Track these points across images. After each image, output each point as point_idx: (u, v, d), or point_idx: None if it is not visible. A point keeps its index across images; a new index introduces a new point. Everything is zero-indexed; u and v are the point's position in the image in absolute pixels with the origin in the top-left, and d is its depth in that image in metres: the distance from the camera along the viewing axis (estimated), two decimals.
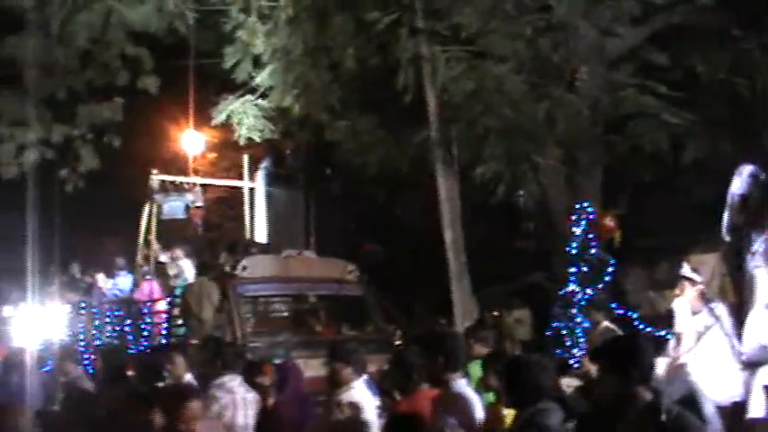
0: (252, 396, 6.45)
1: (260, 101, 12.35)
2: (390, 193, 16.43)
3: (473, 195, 11.37)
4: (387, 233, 17.49)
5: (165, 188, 12.79)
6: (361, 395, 5.78)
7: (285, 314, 12.24)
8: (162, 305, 11.88)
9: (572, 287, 9.00)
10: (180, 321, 10.95)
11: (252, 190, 13.53)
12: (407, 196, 15.92)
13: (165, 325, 11.37)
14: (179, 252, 12.83)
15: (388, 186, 15.87)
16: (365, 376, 6.44)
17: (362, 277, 11.12)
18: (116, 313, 12.35)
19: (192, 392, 5.29)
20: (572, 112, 9.67)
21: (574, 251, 9.11)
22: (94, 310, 12.96)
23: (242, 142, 12.76)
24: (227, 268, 10.74)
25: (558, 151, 10.03)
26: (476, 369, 6.07)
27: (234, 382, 6.45)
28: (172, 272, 12.64)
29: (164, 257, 12.93)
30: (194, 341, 9.47)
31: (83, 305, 13.24)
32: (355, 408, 5.61)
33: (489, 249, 12.95)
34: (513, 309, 10.78)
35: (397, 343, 10.29)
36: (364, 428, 5.57)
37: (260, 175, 13.39)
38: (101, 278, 14.16)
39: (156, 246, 12.43)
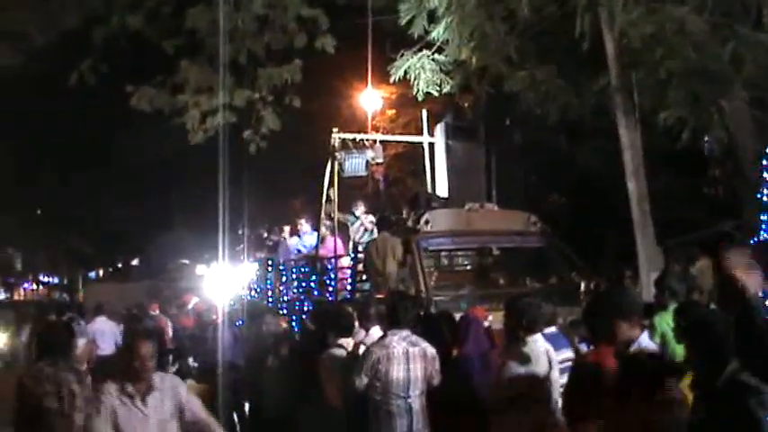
0: (418, 350, 6.87)
1: (436, 55, 13.04)
2: (571, 144, 16.62)
3: (656, 143, 11.56)
4: (568, 184, 17.71)
5: (346, 146, 13.56)
6: (538, 348, 6.30)
7: (468, 267, 13.09)
8: (346, 261, 12.91)
9: (764, 235, 9.14)
10: (364, 277, 11.92)
11: (431, 145, 14.19)
12: (588, 146, 16.12)
13: (349, 280, 12.40)
14: (362, 208, 13.90)
15: (568, 136, 16.09)
16: (553, 328, 7.21)
17: (545, 229, 11.73)
18: (302, 269, 13.60)
19: None
20: (760, 52, 9.72)
21: (765, 198, 9.34)
22: (281, 267, 14.35)
23: (420, 97, 13.51)
24: (410, 223, 11.61)
25: (746, 93, 10.15)
26: (665, 321, 6.49)
27: (394, 336, 6.88)
28: (355, 228, 13.83)
29: (346, 214, 14.08)
30: (378, 295, 10.34)
31: (270, 262, 14.72)
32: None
33: (674, 198, 12.98)
34: (699, 258, 10.96)
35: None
36: (537, 383, 6.08)
37: (439, 129, 13.98)
38: (287, 233, 15.39)
39: (338, 203, 13.41)
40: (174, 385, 5.78)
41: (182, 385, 5.89)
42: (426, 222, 11.26)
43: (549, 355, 6.36)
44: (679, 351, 5.25)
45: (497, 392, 6.26)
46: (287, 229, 16.11)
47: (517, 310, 6.42)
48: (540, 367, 6.23)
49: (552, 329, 7.27)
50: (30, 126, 27.97)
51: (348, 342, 7.56)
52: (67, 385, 6.37)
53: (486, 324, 8.13)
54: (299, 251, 15.04)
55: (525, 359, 6.18)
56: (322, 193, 13.58)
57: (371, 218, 13.58)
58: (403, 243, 11.02)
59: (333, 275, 12.69)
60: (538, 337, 6.40)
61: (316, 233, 14.50)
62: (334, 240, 13.25)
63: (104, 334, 15.11)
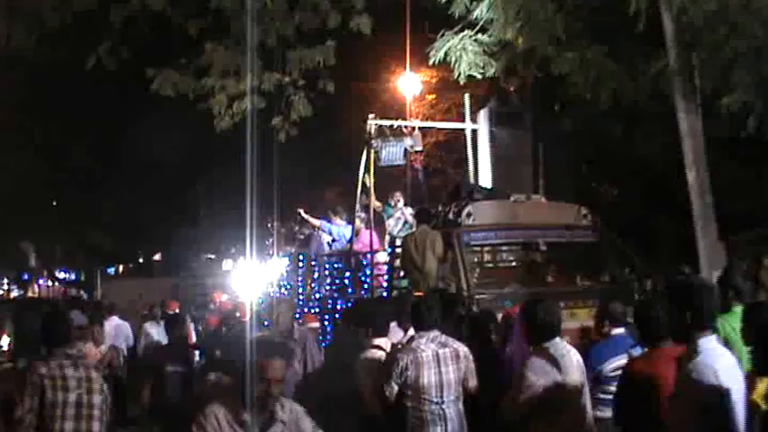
0: (449, 351, 6.82)
1: (479, 36, 13.05)
2: (625, 130, 16.55)
3: (719, 129, 11.45)
4: (622, 174, 17.61)
5: (383, 133, 13.55)
6: (557, 353, 6.11)
7: (513, 264, 13.09)
8: (382, 256, 12.93)
9: None
10: (401, 273, 11.91)
11: (474, 132, 14.20)
12: (644, 133, 16.02)
13: (385, 277, 12.38)
14: (400, 199, 13.94)
15: (623, 122, 16.00)
16: (621, 329, 7.22)
17: (597, 222, 11.71)
18: (335, 265, 13.68)
19: None
20: None
21: None
22: (313, 263, 14.45)
23: (462, 81, 13.50)
24: (451, 216, 11.61)
25: None
26: (729, 323, 6.41)
27: (422, 339, 6.84)
28: (392, 221, 13.90)
29: (383, 205, 14.15)
30: (417, 293, 10.33)
31: (301, 258, 14.84)
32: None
33: (738, 190, 12.82)
34: (765, 256, 10.83)
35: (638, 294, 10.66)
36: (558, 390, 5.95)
37: (482, 115, 13.98)
38: (321, 225, 15.51)
39: (374, 193, 13.42)
40: (297, 418, 5.29)
41: (305, 418, 5.38)
42: (469, 215, 11.29)
43: (570, 361, 6.15)
44: (745, 355, 5.21)
45: (515, 401, 6.10)
46: (320, 224, 16.14)
47: (532, 315, 6.25)
48: (563, 374, 6.00)
49: (620, 330, 7.31)
50: (44, 113, 28.26)
51: (385, 343, 7.55)
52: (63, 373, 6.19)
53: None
54: (329, 244, 15.16)
55: (541, 367, 6.00)
56: (357, 184, 13.60)
57: (410, 210, 13.64)
58: (443, 237, 11.04)
59: (368, 271, 12.75)
60: (557, 341, 6.17)
61: (349, 225, 14.51)
62: (370, 234, 13.24)
63: (117, 337, 14.91)
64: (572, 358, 6.15)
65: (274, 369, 5.08)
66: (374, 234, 13.48)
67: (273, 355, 5.21)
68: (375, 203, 13.75)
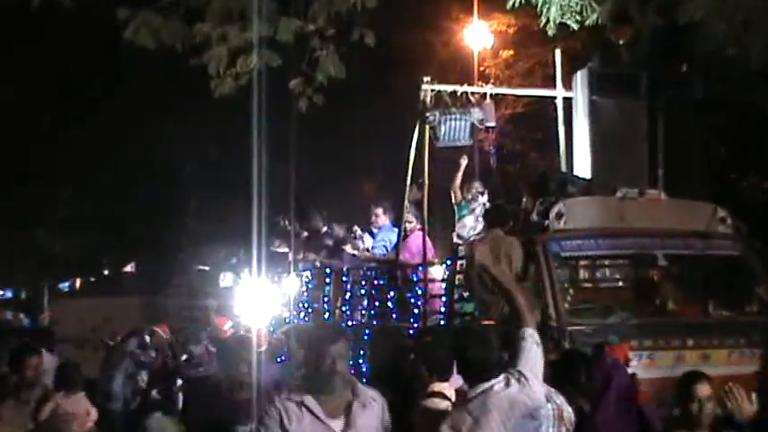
0: (530, 401, 6.45)
1: None
2: None
3: None
4: None
5: (442, 103, 13.71)
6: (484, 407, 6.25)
7: (620, 284, 13.11)
8: (439, 270, 13.13)
9: None
10: (465, 293, 12.08)
11: (568, 101, 14.21)
12: None
13: (443, 299, 12.59)
14: (481, 191, 14.49)
15: None
16: None
17: (740, 228, 11.90)
18: (375, 281, 13.93)
19: None
20: None
21: None
22: (345, 278, 14.64)
23: (551, 32, 13.65)
24: (534, 217, 11.84)
25: None
26: None
27: (499, 384, 6.47)
28: (470, 219, 14.38)
29: (458, 198, 14.55)
30: (487, 321, 10.48)
31: (328, 271, 15.06)
32: None
33: None
34: None
35: None
36: None
37: (579, 78, 13.93)
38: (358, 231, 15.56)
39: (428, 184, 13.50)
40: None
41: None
42: (559, 216, 11.52)
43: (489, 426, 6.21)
44: None
45: None
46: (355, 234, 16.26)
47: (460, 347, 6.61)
48: None
49: None
50: None
51: (448, 388, 7.55)
52: None
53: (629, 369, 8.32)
54: (367, 250, 15.31)
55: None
56: (406, 172, 13.74)
57: (479, 207, 14.18)
58: (523, 246, 11.23)
59: (420, 290, 12.91)
60: (495, 389, 6.31)
61: (394, 228, 14.73)
62: (423, 239, 13.37)
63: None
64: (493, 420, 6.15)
65: (338, 347, 6.15)
66: (429, 240, 13.65)
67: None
68: (458, 193, 13.95)
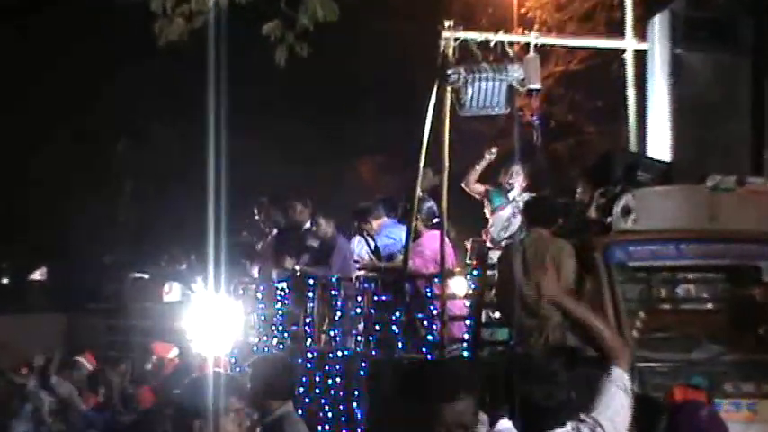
0: None
1: None
2: None
3: None
4: None
5: (470, 56, 13.74)
6: None
7: (710, 305, 13.07)
8: (460, 283, 13.30)
9: None
10: (496, 314, 12.38)
11: (640, 56, 14.29)
12: None
13: (467, 322, 12.75)
14: (518, 178, 14.71)
15: None
16: None
17: None
18: (377, 297, 14.06)
19: None
20: None
21: None
22: (334, 291, 14.81)
23: None
24: (593, 212, 11.89)
25: None
26: None
27: None
28: (506, 211, 14.53)
29: (490, 188, 14.61)
30: (527, 352, 10.60)
31: (311, 282, 15.19)
32: None
33: None
34: None
35: None
36: None
37: (658, 24, 14.00)
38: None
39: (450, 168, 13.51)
40: None
41: None
42: (627, 212, 11.50)
43: None
44: None
45: None
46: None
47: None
48: None
49: None
50: None
51: None
52: None
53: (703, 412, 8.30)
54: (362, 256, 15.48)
55: None
56: (419, 149, 13.77)
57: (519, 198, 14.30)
58: (577, 252, 11.30)
59: (435, 311, 12.98)
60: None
61: (401, 225, 14.97)
62: (441, 241, 13.36)
63: None
64: None
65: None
66: (448, 243, 13.79)
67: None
68: (474, 187, 13.98)
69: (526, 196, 14.25)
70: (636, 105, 14.33)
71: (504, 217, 14.38)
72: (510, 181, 14.60)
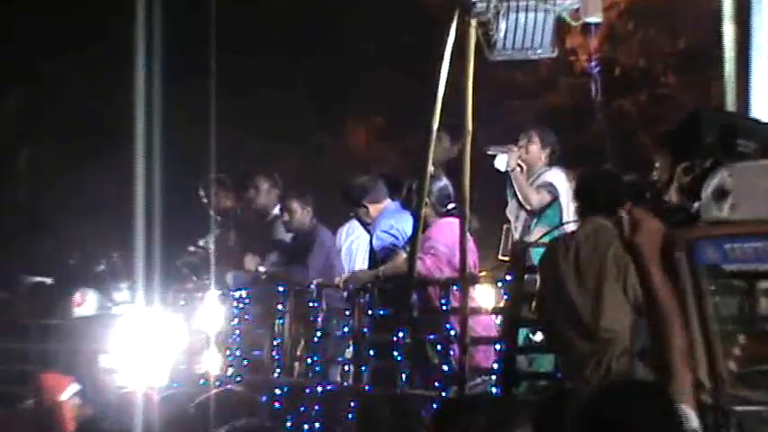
0: None
1: None
2: None
3: None
4: None
5: None
6: None
7: None
8: (486, 292, 13.45)
9: None
10: (538, 336, 12.50)
11: None
12: None
13: (495, 346, 12.80)
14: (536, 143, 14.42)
15: None
16: None
17: None
18: (371, 311, 14.08)
19: None
20: None
21: None
22: (315, 303, 14.99)
23: None
24: (674, 195, 11.88)
25: None
26: None
27: None
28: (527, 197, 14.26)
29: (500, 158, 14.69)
30: (577, 388, 10.52)
31: (281, 289, 15.33)
32: None
33: None
34: None
35: None
36: None
37: None
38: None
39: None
40: None
41: None
42: (721, 195, 11.33)
43: None
44: None
45: None
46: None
47: None
48: None
49: None
50: None
51: None
52: None
53: None
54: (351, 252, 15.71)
55: None
56: (432, 109, 13.61)
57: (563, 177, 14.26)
58: None
59: (452, 330, 13.10)
60: None
61: (405, 212, 14.95)
62: (461, 234, 13.40)
63: None
64: None
65: None
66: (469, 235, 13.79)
67: None
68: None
69: (552, 174, 14.33)
70: (735, 47, 13.99)
71: (526, 213, 14.30)
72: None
